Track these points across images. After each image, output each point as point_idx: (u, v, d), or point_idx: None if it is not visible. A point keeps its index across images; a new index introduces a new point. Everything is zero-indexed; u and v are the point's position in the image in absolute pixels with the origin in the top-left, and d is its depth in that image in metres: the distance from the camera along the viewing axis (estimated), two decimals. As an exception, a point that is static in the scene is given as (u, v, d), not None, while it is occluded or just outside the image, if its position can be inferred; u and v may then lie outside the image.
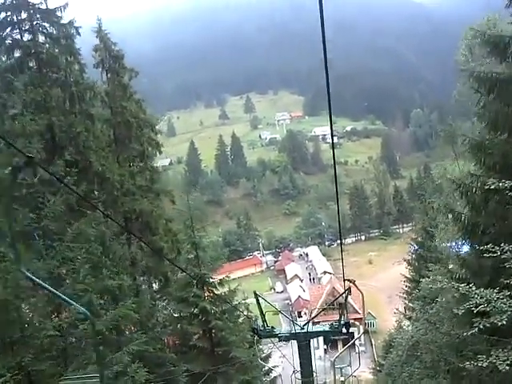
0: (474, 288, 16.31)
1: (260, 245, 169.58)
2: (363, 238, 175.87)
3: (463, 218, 19.47)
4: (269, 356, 46.30)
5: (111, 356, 16.10)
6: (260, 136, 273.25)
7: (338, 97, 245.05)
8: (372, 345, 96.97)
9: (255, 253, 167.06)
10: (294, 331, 21.89)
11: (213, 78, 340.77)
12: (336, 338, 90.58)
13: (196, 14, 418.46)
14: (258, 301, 22.06)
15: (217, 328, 28.48)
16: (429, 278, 31.25)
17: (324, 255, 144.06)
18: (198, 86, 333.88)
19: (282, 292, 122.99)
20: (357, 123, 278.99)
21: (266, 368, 45.83)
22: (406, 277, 47.21)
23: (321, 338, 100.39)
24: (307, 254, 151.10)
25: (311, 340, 22.46)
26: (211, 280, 28.98)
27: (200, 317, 28.62)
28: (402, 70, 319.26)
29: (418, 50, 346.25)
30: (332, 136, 9.73)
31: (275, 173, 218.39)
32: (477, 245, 19.00)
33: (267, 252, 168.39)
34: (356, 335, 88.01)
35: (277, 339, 22.60)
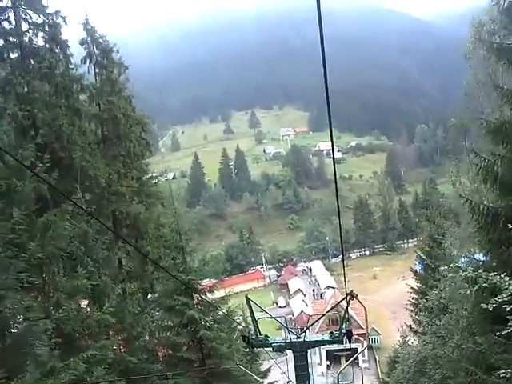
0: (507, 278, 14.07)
1: (263, 259, 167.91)
2: (367, 253, 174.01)
3: (482, 208, 17.31)
4: (268, 371, 44.25)
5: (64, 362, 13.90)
6: (264, 150, 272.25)
7: (342, 113, 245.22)
8: (376, 361, 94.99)
9: (258, 267, 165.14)
10: (289, 340, 19.82)
11: (218, 93, 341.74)
12: (339, 353, 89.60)
13: (203, 30, 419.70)
14: (249, 306, 19.99)
15: (206, 338, 26.16)
16: (436, 288, 29.32)
17: (327, 270, 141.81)
18: (203, 101, 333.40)
19: (284, 307, 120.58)
20: (361, 139, 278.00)
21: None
22: (412, 288, 44.91)
23: (324, 354, 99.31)
24: (310, 269, 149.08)
25: (309, 350, 20.40)
26: (200, 287, 26.72)
27: (188, 326, 26.39)
28: (406, 85, 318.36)
29: (421, 65, 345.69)
30: (333, 150, 8.76)
31: (279, 187, 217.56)
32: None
33: (270, 266, 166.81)
34: (359, 350, 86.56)
35: (277, 353, 20.50)
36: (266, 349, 24.74)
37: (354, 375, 64.89)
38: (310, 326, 26.00)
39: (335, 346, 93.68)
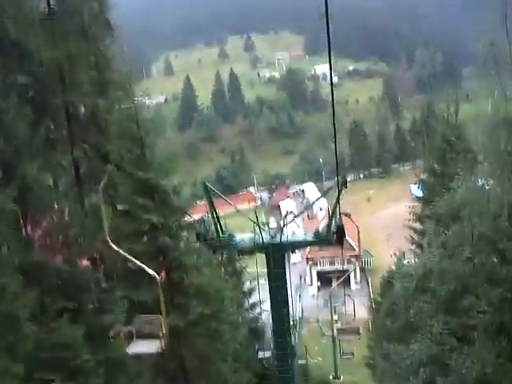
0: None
1: (254, 180, 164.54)
2: (362, 176, 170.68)
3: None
4: (252, 290, 40.71)
5: None
6: (259, 74, 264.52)
7: (339, 37, 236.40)
8: (368, 283, 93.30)
9: (250, 188, 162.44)
10: (261, 240, 15.49)
11: (212, 16, 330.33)
12: (330, 275, 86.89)
13: None
14: (207, 195, 15.51)
15: (167, 247, 21.73)
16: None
17: (320, 192, 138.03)
18: (197, 24, 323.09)
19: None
20: (359, 63, 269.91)
21: (249, 303, 40.50)
22: (417, 198, 40.79)
23: (315, 275, 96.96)
24: (303, 191, 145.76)
25: (287, 255, 16.22)
26: (162, 187, 22.05)
27: (147, 233, 21.97)
28: (404, 8, 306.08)
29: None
30: (331, 75, 11.13)
31: (273, 110, 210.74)
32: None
33: (262, 188, 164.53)
34: (352, 268, 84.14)
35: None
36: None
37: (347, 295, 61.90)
38: (289, 222, 21.65)
39: (327, 267, 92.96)
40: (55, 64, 22.66)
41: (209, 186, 16.04)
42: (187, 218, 22.57)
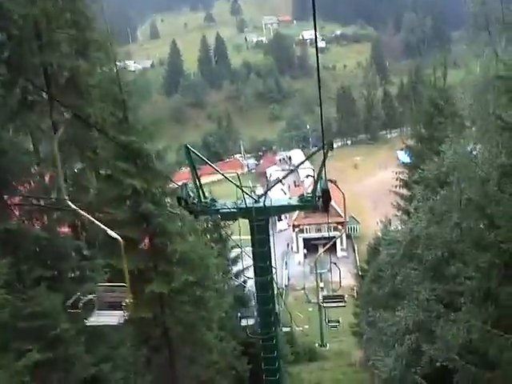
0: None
1: (241, 147, 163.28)
2: (349, 142, 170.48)
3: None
4: (238, 258, 40.31)
5: None
6: (246, 39, 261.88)
7: (326, 1, 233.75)
8: (354, 250, 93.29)
9: (236, 155, 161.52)
10: (244, 205, 15.02)
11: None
12: (317, 242, 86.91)
13: None
14: (189, 157, 14.95)
15: (150, 213, 21.22)
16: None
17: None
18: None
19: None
20: (346, 28, 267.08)
21: (234, 270, 40.14)
22: (404, 164, 40.32)
23: (301, 242, 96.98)
24: (290, 158, 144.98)
25: (270, 220, 15.75)
26: (145, 151, 21.43)
27: (129, 199, 21.45)
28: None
29: None
30: (316, 39, 10.93)
31: (260, 76, 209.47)
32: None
33: (249, 155, 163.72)
34: (338, 235, 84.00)
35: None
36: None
37: (332, 263, 61.82)
38: (273, 186, 21.16)
39: (313, 235, 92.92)
40: (31, 22, 21.81)
41: (191, 149, 15.42)
42: (172, 185, 22.07)
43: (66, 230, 23.42)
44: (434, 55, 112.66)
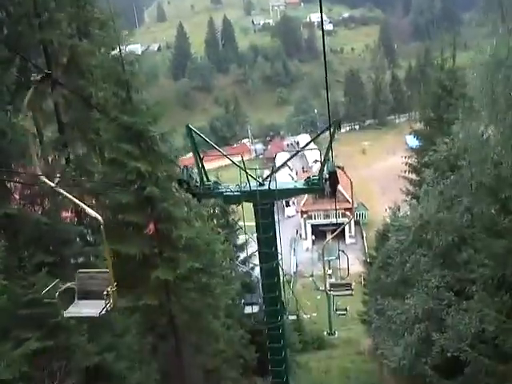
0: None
1: (249, 132, 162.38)
2: (357, 127, 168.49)
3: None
4: (246, 244, 39.81)
5: None
6: (253, 22, 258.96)
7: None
8: (363, 237, 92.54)
9: (244, 140, 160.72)
10: (248, 188, 14.53)
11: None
12: (325, 228, 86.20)
13: None
14: (191, 139, 14.44)
15: (155, 198, 20.75)
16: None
17: (315, 144, 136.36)
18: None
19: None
20: (354, 10, 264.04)
21: (242, 257, 39.69)
22: (412, 149, 39.57)
23: (309, 229, 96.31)
24: (298, 143, 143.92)
25: (276, 204, 15.23)
26: (149, 133, 20.89)
27: (134, 183, 20.95)
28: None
29: None
30: (322, 21, 9.54)
31: (267, 59, 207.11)
32: None
33: (256, 140, 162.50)
34: (347, 221, 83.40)
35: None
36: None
37: (340, 250, 61.52)
38: (278, 168, 20.59)
39: (321, 221, 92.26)
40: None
41: (193, 129, 14.93)
42: (177, 169, 21.58)
43: (69, 215, 23.10)
44: (442, 37, 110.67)
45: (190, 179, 14.89)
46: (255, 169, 15.61)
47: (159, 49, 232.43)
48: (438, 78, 35.10)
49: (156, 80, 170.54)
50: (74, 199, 10.89)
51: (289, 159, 22.45)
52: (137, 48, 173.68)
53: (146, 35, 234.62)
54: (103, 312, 11.01)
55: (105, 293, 10.99)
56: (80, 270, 12.34)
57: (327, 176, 14.58)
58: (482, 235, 18.22)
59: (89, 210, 10.49)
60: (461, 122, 21.98)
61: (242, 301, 24.16)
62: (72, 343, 15.23)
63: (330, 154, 14.55)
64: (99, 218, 10.35)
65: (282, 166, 25.97)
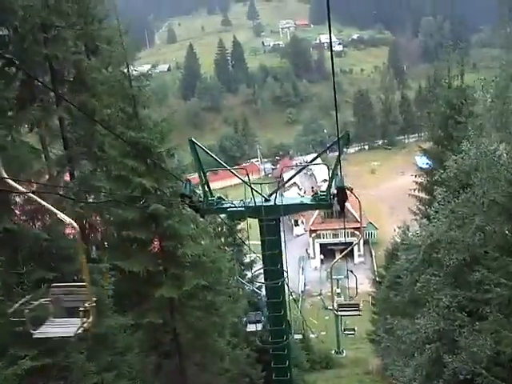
0: None
1: (258, 151, 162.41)
2: (366, 147, 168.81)
3: None
4: (254, 262, 39.37)
5: None
6: (263, 43, 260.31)
7: (345, 5, 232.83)
8: (372, 256, 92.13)
9: (253, 160, 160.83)
10: (253, 204, 14.11)
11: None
12: (334, 247, 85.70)
13: None
14: (194, 152, 14.07)
15: (161, 215, 20.40)
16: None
17: (324, 163, 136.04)
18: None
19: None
20: (363, 32, 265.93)
21: (250, 275, 39.22)
22: (421, 169, 39.03)
23: (318, 248, 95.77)
24: (307, 162, 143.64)
25: (282, 221, 14.78)
26: (157, 149, 20.61)
27: (139, 199, 20.63)
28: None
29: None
30: (330, 40, 9.45)
31: (277, 79, 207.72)
32: None
33: (265, 160, 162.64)
34: (355, 242, 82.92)
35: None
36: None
37: (349, 270, 61.18)
38: (285, 183, 20.19)
39: (330, 240, 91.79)
40: (34, 13, 21.11)
41: (196, 142, 14.57)
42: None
43: (72, 231, 22.77)
44: (450, 57, 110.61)
45: (194, 194, 14.48)
46: (261, 183, 15.13)
47: (169, 69, 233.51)
48: (446, 96, 34.66)
49: (166, 100, 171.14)
50: (49, 206, 10.17)
51: (296, 173, 22.26)
52: (147, 68, 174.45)
53: (156, 56, 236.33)
54: (79, 332, 10.06)
55: (81, 309, 10.01)
56: (54, 284, 11.41)
57: (335, 192, 14.11)
58: (495, 254, 17.74)
59: (63, 217, 9.79)
60: (471, 140, 21.56)
61: (245, 318, 23.66)
62: (70, 361, 14.75)
63: (339, 168, 14.08)
64: (74, 224, 9.68)
65: (289, 180, 25.55)
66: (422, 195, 38.44)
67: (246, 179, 14.42)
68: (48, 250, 15.61)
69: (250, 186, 14.08)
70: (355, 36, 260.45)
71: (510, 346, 15.58)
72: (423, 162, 41.79)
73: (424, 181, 37.55)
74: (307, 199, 15.55)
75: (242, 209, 14.33)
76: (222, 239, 38.02)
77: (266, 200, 14.53)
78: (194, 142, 14.28)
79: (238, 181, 17.26)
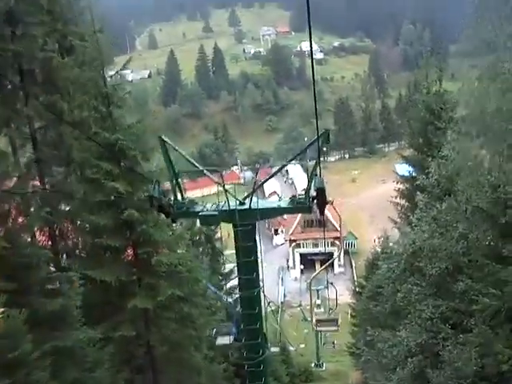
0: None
1: (237, 159, 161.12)
2: (347, 156, 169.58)
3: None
4: (232, 272, 38.50)
5: None
6: (244, 50, 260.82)
7: (326, 12, 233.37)
8: (352, 266, 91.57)
9: (233, 168, 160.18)
10: (226, 207, 13.33)
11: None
12: (314, 258, 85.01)
13: None
14: (164, 150, 13.25)
15: (135, 220, 19.50)
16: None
17: (305, 172, 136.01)
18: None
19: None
20: (344, 40, 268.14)
21: (229, 286, 38.39)
22: (402, 177, 38.42)
23: (298, 258, 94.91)
24: (287, 171, 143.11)
25: (257, 225, 14.02)
26: (131, 152, 19.74)
27: (112, 204, 19.77)
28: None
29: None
30: (311, 49, 10.29)
31: (258, 87, 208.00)
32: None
33: (246, 168, 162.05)
34: (335, 255, 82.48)
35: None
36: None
37: (329, 281, 60.77)
38: (260, 186, 19.46)
39: (310, 250, 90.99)
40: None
41: (167, 141, 13.75)
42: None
43: (42, 238, 21.88)
44: (429, 63, 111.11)
45: (163, 196, 13.65)
46: (234, 184, 14.40)
47: (150, 75, 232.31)
48: (425, 101, 34.10)
49: (146, 106, 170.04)
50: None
51: (273, 174, 21.29)
52: (127, 74, 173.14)
53: (136, 61, 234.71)
54: None
55: None
56: None
57: (314, 194, 13.39)
58: (482, 262, 17.14)
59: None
60: (451, 144, 21.06)
61: (214, 330, 22.79)
62: (32, 379, 13.78)
63: (318, 169, 13.37)
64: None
65: (265, 181, 24.76)
66: (403, 202, 37.88)
67: (220, 181, 13.72)
68: (7, 259, 14.62)
69: (224, 188, 13.34)
70: (336, 44, 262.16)
71: (497, 359, 14.89)
72: (403, 169, 41.29)
73: (405, 188, 36.98)
74: (285, 203, 14.77)
75: (215, 213, 13.53)
76: (200, 249, 37.23)
77: (241, 203, 13.81)
78: (164, 141, 13.47)
79: (216, 190, 16.36)
